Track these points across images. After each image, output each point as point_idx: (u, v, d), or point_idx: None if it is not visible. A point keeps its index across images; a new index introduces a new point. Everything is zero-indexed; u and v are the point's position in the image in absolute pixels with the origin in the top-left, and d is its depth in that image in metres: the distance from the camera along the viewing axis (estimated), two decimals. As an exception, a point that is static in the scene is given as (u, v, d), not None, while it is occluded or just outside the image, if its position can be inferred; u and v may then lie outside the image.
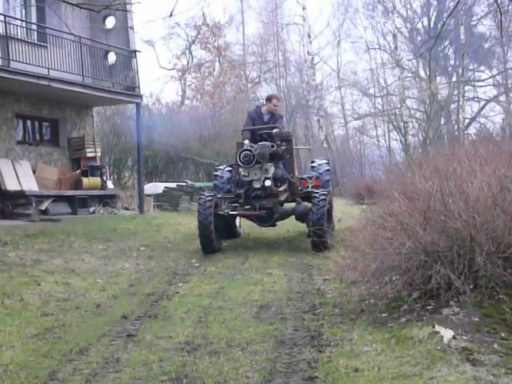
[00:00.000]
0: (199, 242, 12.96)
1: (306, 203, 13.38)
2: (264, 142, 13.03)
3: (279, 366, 5.69)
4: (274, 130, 13.33)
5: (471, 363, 5.07)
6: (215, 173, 14.74)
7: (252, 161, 12.64)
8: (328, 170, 14.70)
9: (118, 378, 5.52)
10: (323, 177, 14.23)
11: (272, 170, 12.92)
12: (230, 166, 14.18)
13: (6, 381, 5.52)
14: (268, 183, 12.81)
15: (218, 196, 13.39)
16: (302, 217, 13.26)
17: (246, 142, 13.24)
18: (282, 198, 13.31)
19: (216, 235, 12.89)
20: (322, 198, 12.67)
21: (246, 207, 13.18)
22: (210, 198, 12.94)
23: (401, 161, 32.32)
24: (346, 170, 43.30)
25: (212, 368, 5.67)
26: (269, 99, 14.21)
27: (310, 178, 14.12)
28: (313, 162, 15.39)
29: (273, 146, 12.94)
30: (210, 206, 12.72)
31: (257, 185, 12.86)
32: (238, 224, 15.00)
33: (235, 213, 13.25)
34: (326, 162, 15.19)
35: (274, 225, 13.68)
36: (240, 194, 13.03)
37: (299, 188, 13.81)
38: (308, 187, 13.82)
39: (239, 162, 12.78)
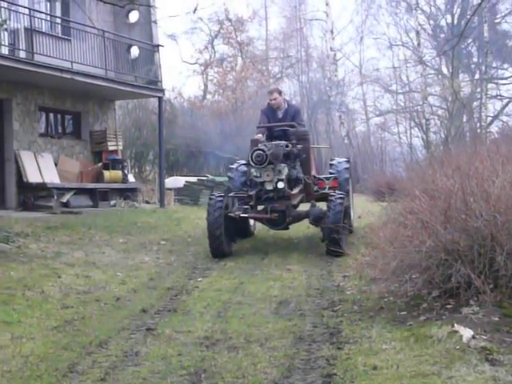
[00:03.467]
0: (209, 245, 12.20)
1: (320, 207, 12.76)
2: (278, 142, 12.48)
3: (297, 363, 5.69)
4: (291, 129, 12.94)
5: (490, 363, 5.05)
6: (229, 173, 14.25)
7: (265, 161, 11.86)
8: (347, 168, 14.19)
9: (137, 372, 5.54)
10: (341, 176, 13.80)
11: (285, 171, 12.18)
12: (245, 163, 13.57)
13: (26, 372, 5.56)
14: (281, 185, 12.05)
15: (230, 195, 12.84)
16: (316, 221, 12.36)
17: (259, 135, 12.86)
18: (296, 200, 12.59)
19: (226, 239, 12.15)
20: (338, 202, 11.90)
21: (258, 209, 12.48)
22: (221, 198, 12.28)
23: (422, 158, 32.22)
24: (366, 166, 43.14)
25: (231, 363, 5.68)
26: (269, 93, 13.72)
27: (328, 178, 13.64)
28: (332, 160, 15.06)
29: (287, 146, 12.43)
30: (221, 206, 12.09)
31: (269, 186, 12.09)
32: (251, 223, 14.48)
33: (246, 215, 12.46)
34: (345, 160, 14.73)
35: (286, 228, 12.78)
36: (251, 195, 12.28)
37: (315, 189, 13.30)
38: (325, 188, 13.34)
39: (251, 162, 12.06)
